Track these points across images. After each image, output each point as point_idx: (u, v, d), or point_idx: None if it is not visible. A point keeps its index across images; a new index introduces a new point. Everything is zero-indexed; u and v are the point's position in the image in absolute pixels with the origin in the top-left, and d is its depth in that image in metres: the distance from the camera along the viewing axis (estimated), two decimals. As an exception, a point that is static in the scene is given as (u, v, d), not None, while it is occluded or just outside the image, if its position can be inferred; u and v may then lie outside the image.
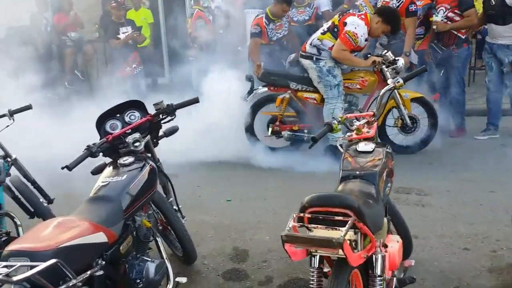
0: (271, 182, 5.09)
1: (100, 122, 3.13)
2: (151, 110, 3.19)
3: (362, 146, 2.80)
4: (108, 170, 2.90)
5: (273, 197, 4.70)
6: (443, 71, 6.34)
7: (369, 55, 5.51)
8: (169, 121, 3.16)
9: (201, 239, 3.94)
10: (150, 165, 2.96)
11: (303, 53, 5.54)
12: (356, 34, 5.20)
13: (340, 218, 1.96)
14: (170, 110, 3.09)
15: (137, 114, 3.18)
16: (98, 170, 2.96)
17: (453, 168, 5.10)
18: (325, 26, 5.49)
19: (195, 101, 3.17)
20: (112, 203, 2.60)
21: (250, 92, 5.72)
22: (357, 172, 2.58)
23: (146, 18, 9.06)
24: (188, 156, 5.49)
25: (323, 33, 5.41)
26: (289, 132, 5.63)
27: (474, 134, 6.17)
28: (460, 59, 6.28)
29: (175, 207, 3.52)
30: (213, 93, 5.94)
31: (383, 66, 5.38)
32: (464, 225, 3.89)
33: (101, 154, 2.91)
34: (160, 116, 3.12)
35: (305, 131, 5.64)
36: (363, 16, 5.32)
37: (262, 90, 5.73)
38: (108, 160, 3.02)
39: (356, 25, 5.23)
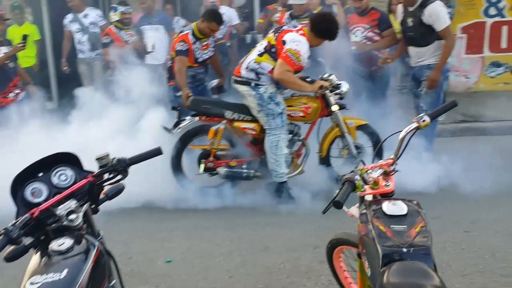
0: (215, 232, 4.24)
1: (16, 187, 2.17)
2: (87, 163, 2.32)
3: (390, 208, 2.13)
4: (36, 261, 1.95)
5: (223, 253, 3.87)
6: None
7: (307, 78, 4.95)
8: (118, 181, 2.27)
9: (147, 323, 3.04)
10: (97, 248, 2.06)
11: (238, 78, 4.80)
12: (299, 51, 4.58)
13: None
14: (122, 167, 2.21)
15: (69, 172, 2.25)
16: (15, 256, 1.99)
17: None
18: (261, 46, 4.81)
19: (157, 152, 2.31)
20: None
21: (178, 123, 4.87)
22: (404, 250, 1.91)
23: (31, 35, 7.79)
24: (106, 202, 4.47)
25: (260, 55, 4.72)
26: (226, 169, 4.84)
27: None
28: (383, 80, 6.09)
29: (119, 292, 2.62)
30: (129, 123, 5.04)
31: (327, 91, 4.85)
32: None
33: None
34: (106, 175, 2.23)
35: (243, 166, 4.90)
36: (301, 32, 4.71)
37: (190, 120, 4.90)
38: (28, 239, 2.07)
39: (297, 42, 4.61)
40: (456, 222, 4.27)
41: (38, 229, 2.06)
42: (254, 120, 4.85)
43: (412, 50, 5.44)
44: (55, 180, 2.22)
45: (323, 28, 4.69)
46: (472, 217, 4.35)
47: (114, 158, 2.21)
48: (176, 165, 4.91)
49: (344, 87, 4.91)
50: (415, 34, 5.27)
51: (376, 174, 2.30)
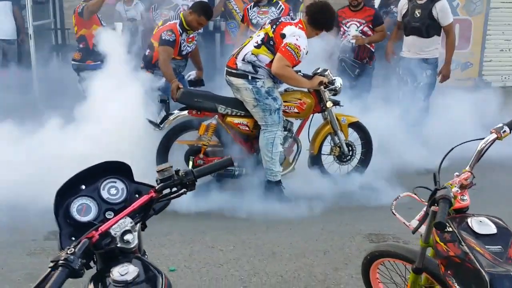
0: (215, 237, 3.96)
1: (59, 203, 1.83)
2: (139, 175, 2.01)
3: (478, 226, 1.99)
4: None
5: (230, 260, 3.61)
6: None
7: (300, 73, 4.73)
8: (180, 195, 1.97)
9: None
10: (164, 277, 1.80)
11: (233, 70, 4.50)
12: (299, 46, 4.35)
13: None
14: (190, 181, 1.91)
15: (119, 185, 1.93)
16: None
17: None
18: (257, 38, 4.53)
19: (228, 163, 2.01)
20: None
21: (166, 117, 4.52)
22: (512, 273, 1.77)
23: None
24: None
25: (257, 47, 4.45)
26: (217, 167, 4.54)
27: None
28: (373, 72, 6.36)
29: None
30: (109, 117, 4.63)
31: (322, 87, 4.67)
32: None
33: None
34: (168, 190, 1.92)
35: (235, 164, 4.63)
36: (300, 25, 4.49)
37: (179, 114, 4.57)
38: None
39: (297, 36, 4.37)
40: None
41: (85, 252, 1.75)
42: (248, 115, 4.59)
43: (412, 40, 5.77)
44: (104, 194, 1.89)
45: (321, 19, 4.52)
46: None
47: (178, 170, 1.91)
48: (163, 162, 4.54)
49: (338, 82, 4.76)
50: (421, 24, 5.64)
51: (455, 188, 2.15)
